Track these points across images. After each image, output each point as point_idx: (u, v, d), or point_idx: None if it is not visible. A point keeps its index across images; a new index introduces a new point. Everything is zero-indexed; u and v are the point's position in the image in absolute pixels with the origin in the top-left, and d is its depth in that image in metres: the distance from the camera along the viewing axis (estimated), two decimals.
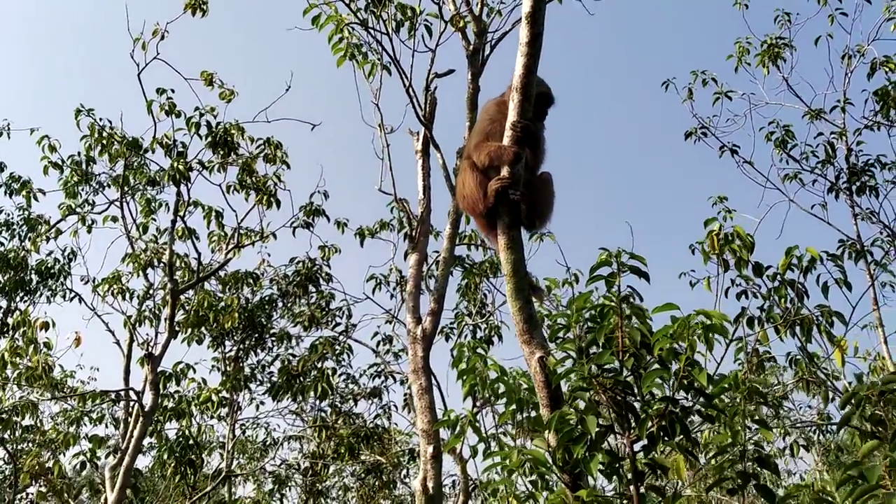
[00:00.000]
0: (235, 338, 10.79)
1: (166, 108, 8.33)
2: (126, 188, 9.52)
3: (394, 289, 10.27)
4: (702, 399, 3.41)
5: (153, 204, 10.14)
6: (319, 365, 9.76)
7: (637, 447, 3.35)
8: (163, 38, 8.06)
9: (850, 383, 7.77)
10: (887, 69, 9.16)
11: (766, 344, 7.85)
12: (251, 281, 10.43)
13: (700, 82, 10.28)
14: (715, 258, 5.56)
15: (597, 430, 3.21)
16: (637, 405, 3.44)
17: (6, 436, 9.40)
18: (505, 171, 3.90)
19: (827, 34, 9.66)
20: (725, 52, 10.23)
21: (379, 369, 10.74)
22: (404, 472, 11.46)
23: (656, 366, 3.38)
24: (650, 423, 3.32)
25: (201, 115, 8.48)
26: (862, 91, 9.55)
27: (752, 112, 10.17)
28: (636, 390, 3.40)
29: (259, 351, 11.00)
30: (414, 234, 6.90)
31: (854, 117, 9.63)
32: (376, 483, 10.88)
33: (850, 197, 9.35)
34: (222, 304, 9.89)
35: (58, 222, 10.33)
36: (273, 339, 10.76)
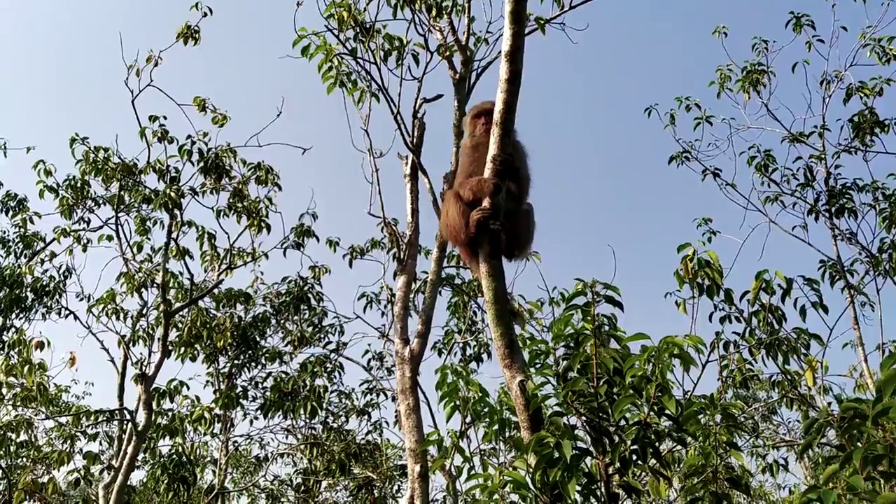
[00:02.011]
0: (229, 354, 10.92)
1: (159, 134, 8.52)
2: (121, 206, 9.67)
3: (385, 306, 10.44)
4: (673, 424, 3.58)
5: (148, 223, 10.28)
6: (310, 383, 9.89)
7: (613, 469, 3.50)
8: (156, 64, 8.27)
9: (829, 404, 7.97)
10: (862, 94, 9.41)
11: (742, 366, 8.03)
12: (244, 299, 10.58)
13: (683, 108, 10.52)
14: (689, 283, 5.71)
15: (572, 453, 3.34)
16: (612, 429, 3.60)
17: (1, 452, 9.47)
18: (486, 202, 4.03)
19: (804, 61, 9.89)
20: (705, 79, 10.48)
21: (370, 386, 10.89)
22: (396, 487, 11.58)
23: (630, 391, 3.52)
24: (623, 447, 3.48)
25: (193, 143, 8.68)
26: (837, 120, 9.81)
27: (734, 136, 10.41)
28: (611, 415, 3.54)
29: (252, 367, 11.14)
30: (402, 256, 7.05)
31: (830, 143, 9.88)
32: (368, 499, 10.98)
33: (829, 219, 9.56)
34: (215, 322, 10.03)
35: (51, 242, 10.46)
36: (266, 356, 10.90)
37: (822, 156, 9.96)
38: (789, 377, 7.60)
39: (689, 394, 5.32)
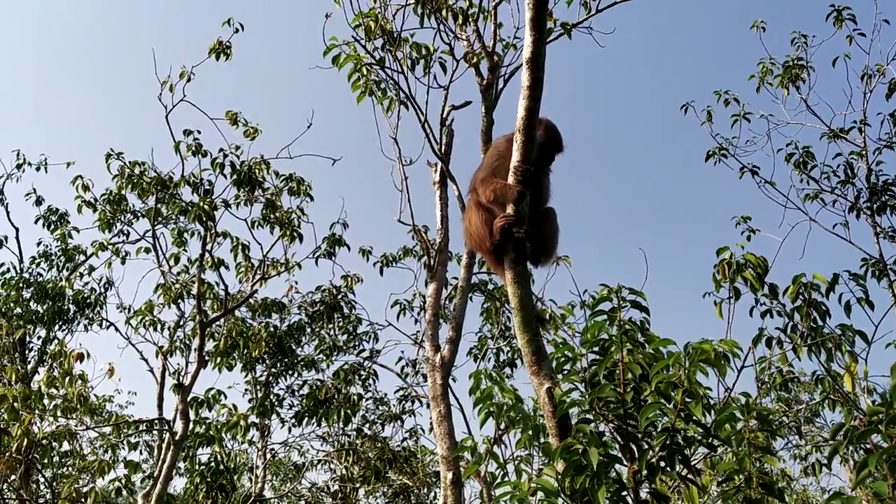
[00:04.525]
0: (267, 362, 11.05)
1: (193, 148, 8.69)
2: (159, 219, 9.85)
3: (417, 313, 10.48)
4: (701, 430, 3.53)
5: (185, 234, 10.41)
6: (344, 391, 9.96)
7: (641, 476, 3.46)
8: (189, 80, 8.42)
9: (873, 402, 7.78)
10: None
11: (785, 364, 7.87)
12: (278, 308, 10.71)
13: (721, 103, 10.39)
14: (727, 285, 5.62)
15: (600, 460, 3.31)
16: (640, 436, 3.56)
17: (44, 461, 9.69)
18: (510, 209, 4.01)
19: (845, 55, 9.71)
20: (739, 77, 10.37)
21: (405, 392, 10.93)
22: (433, 493, 11.57)
23: (658, 397, 3.48)
24: (650, 454, 3.43)
25: (225, 156, 8.83)
26: (878, 114, 9.61)
27: (772, 132, 10.26)
28: (638, 422, 3.50)
29: (289, 375, 11.24)
30: (432, 263, 7.08)
31: (871, 138, 9.68)
32: None
33: (871, 216, 9.37)
34: (251, 332, 10.15)
35: (89, 257, 10.70)
36: (301, 364, 11.00)
37: (863, 152, 9.77)
38: (832, 376, 7.44)
39: (726, 396, 5.25)
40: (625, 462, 3.52)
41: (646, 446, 3.50)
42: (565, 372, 3.85)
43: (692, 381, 3.46)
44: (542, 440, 4.72)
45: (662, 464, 3.44)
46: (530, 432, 4.72)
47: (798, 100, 10.18)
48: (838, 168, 9.78)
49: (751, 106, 10.47)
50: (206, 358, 9.29)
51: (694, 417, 3.44)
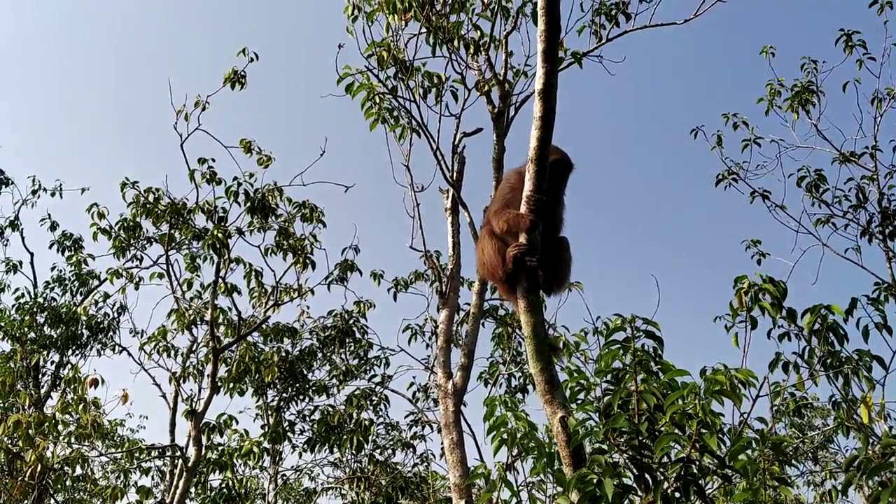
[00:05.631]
0: (278, 387, 11.05)
1: (207, 176, 8.78)
2: (173, 244, 9.92)
3: (429, 338, 10.46)
4: (716, 460, 3.52)
5: (198, 260, 10.46)
6: (356, 416, 9.94)
7: None
8: (204, 109, 8.53)
9: (890, 427, 7.69)
10: None
11: (803, 390, 7.81)
12: (290, 334, 10.73)
13: (731, 126, 10.39)
14: (744, 314, 5.58)
15: (615, 491, 3.29)
16: (655, 466, 3.55)
17: (57, 487, 9.69)
18: (522, 238, 4.03)
19: (855, 80, 9.71)
20: (750, 101, 10.36)
21: (416, 418, 10.89)
22: None
23: (674, 429, 3.47)
24: (665, 485, 3.42)
25: (239, 184, 8.92)
26: (890, 141, 9.60)
27: (783, 157, 10.24)
28: (653, 452, 3.50)
29: (300, 401, 11.23)
30: (444, 289, 7.10)
31: (883, 163, 9.67)
32: None
33: (883, 241, 9.32)
34: (263, 357, 10.17)
35: (102, 282, 10.76)
36: (313, 389, 11.00)
37: (875, 176, 9.75)
38: (848, 403, 7.37)
39: (741, 424, 5.21)
40: (640, 493, 3.51)
41: (661, 477, 3.49)
42: (579, 401, 3.85)
43: (707, 412, 3.45)
44: (555, 467, 4.71)
45: (677, 494, 3.42)
46: (545, 459, 4.71)
47: (808, 124, 10.19)
48: (850, 192, 9.76)
49: (760, 130, 10.48)
50: (219, 384, 9.31)
51: (708, 448, 3.43)
